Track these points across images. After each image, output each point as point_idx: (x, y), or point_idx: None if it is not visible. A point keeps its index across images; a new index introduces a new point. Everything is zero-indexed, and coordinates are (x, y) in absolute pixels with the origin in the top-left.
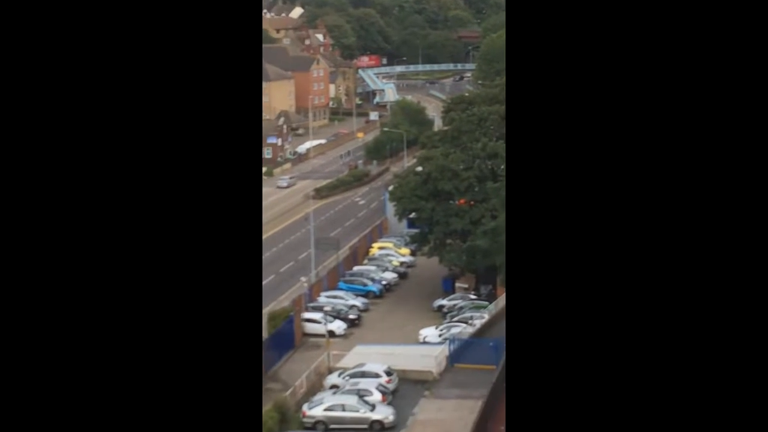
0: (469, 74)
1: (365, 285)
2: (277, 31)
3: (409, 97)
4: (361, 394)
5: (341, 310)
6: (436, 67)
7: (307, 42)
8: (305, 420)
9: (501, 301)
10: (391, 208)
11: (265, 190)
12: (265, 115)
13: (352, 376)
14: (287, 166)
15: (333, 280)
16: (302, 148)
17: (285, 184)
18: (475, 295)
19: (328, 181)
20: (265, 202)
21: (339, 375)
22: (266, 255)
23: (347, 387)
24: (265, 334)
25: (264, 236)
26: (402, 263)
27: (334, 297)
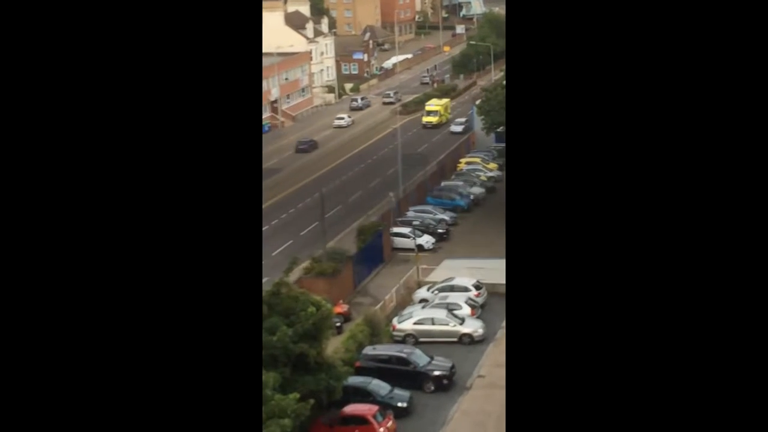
0: None
1: (453, 199)
2: None
3: (496, 9)
4: (451, 308)
5: (430, 224)
6: None
7: None
8: (395, 333)
9: None
10: (478, 122)
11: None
12: (351, 31)
13: (441, 290)
14: (374, 81)
15: (421, 194)
16: (388, 63)
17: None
18: None
19: (416, 96)
20: (353, 117)
21: (428, 289)
22: (354, 171)
23: (436, 301)
24: (354, 249)
25: (353, 152)
26: (490, 178)
27: (423, 211)
